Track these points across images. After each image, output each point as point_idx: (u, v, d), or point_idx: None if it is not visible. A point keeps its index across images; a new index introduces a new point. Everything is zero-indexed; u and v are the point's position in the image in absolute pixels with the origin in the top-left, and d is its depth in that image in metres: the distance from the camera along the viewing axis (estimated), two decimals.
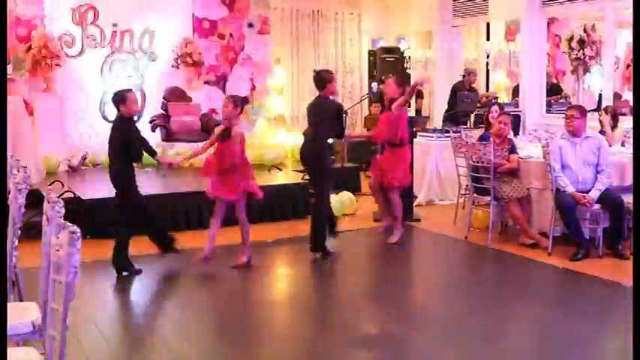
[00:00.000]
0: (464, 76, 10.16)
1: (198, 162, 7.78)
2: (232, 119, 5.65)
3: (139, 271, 5.72)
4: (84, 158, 9.23)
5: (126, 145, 5.56)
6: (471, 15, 10.67)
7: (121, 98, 5.66)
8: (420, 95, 11.85)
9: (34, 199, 5.31)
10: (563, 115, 6.37)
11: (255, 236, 6.92)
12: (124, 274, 5.68)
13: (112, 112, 9.85)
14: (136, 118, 9.91)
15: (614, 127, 7.12)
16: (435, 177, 8.62)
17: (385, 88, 6.79)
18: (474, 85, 10.15)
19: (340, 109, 6.34)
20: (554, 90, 9.98)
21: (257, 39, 10.83)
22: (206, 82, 10.47)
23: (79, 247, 2.38)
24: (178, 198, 7.37)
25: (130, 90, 5.88)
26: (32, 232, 5.76)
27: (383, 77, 10.58)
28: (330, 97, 6.22)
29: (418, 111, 11.67)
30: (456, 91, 9.83)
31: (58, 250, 2.44)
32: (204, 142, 6.27)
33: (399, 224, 6.72)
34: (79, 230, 2.38)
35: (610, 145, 6.45)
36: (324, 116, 6.11)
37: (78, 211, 6.69)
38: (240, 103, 5.76)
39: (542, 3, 9.32)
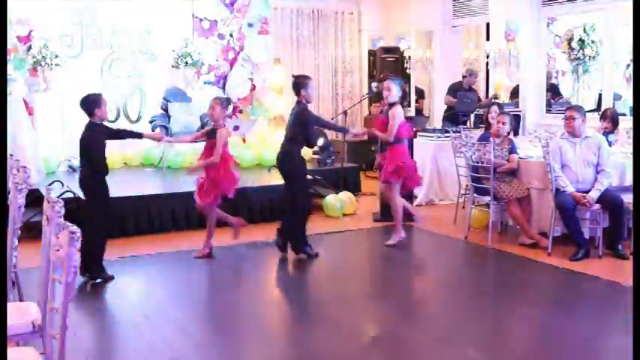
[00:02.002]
0: (464, 76, 10.15)
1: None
2: (219, 120, 6.13)
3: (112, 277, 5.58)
4: None
5: (99, 154, 5.51)
6: (471, 15, 10.67)
7: (96, 102, 5.49)
8: (421, 95, 11.86)
9: (34, 199, 5.33)
10: (563, 116, 6.37)
11: (255, 236, 6.94)
12: (98, 281, 5.47)
13: (111, 113, 9.89)
14: (135, 118, 10.02)
15: (614, 129, 7.11)
16: (435, 177, 8.62)
17: (385, 92, 6.49)
18: (473, 86, 10.14)
19: (305, 118, 6.10)
20: (553, 91, 9.98)
21: (257, 39, 10.82)
22: (206, 82, 10.47)
23: (79, 247, 2.38)
24: (178, 198, 7.37)
25: (100, 94, 5.71)
26: (32, 232, 5.77)
27: (382, 75, 10.58)
28: (304, 103, 6.12)
29: (418, 111, 11.67)
30: (455, 91, 9.83)
31: (58, 250, 2.44)
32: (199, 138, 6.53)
33: (398, 226, 6.65)
34: (79, 230, 2.38)
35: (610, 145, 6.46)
36: (294, 122, 6.12)
37: (78, 211, 6.69)
38: (225, 104, 6.30)
39: (542, 3, 9.32)
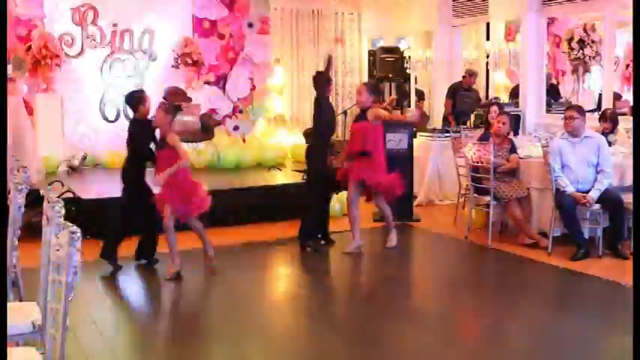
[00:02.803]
0: (464, 77, 10.16)
1: (198, 164, 7.82)
2: (164, 126, 5.60)
3: (119, 267, 5.82)
4: (84, 158, 9.22)
5: (144, 148, 5.70)
6: (471, 15, 10.66)
7: (140, 99, 5.74)
8: (421, 97, 11.86)
9: (34, 199, 5.32)
10: (562, 116, 6.37)
11: (256, 236, 6.94)
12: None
13: (111, 113, 9.89)
14: None
15: (613, 130, 7.10)
16: (435, 177, 8.62)
17: (357, 97, 6.38)
18: (473, 86, 10.14)
19: (321, 104, 6.39)
20: (553, 92, 9.98)
21: (257, 39, 10.82)
22: (206, 82, 10.48)
23: (79, 247, 2.38)
24: None
25: (144, 90, 5.98)
26: (32, 232, 5.77)
27: (379, 76, 10.57)
28: (325, 96, 6.38)
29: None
30: (455, 91, 9.83)
31: (58, 250, 2.44)
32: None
33: (356, 232, 6.43)
34: (79, 230, 2.38)
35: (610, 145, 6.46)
36: (314, 112, 6.45)
37: (78, 211, 6.70)
38: (171, 110, 5.73)
39: (542, 3, 9.31)
